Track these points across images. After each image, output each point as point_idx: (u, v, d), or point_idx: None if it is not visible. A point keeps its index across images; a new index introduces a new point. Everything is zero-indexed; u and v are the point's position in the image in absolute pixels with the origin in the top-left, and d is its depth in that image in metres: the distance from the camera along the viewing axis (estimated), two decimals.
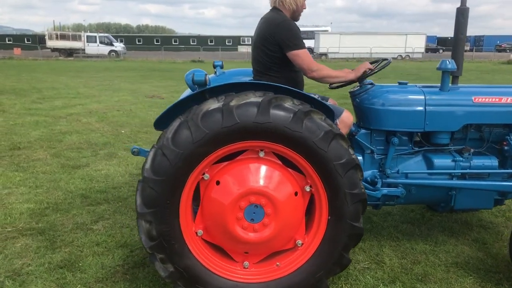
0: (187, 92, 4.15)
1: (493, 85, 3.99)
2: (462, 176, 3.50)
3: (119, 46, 44.41)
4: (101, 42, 43.36)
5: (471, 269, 3.47)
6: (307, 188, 2.86)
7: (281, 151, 2.77)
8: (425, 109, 3.39)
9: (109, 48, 43.50)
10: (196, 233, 2.90)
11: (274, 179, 2.83)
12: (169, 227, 2.78)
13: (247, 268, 2.96)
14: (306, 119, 2.71)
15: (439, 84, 3.54)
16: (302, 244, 2.94)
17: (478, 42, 74.90)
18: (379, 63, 3.67)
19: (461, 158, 3.47)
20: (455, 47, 3.82)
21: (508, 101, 3.40)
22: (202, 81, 2.86)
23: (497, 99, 3.41)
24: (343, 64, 35.62)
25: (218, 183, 2.83)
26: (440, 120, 3.42)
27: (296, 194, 2.86)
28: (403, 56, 44.21)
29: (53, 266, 3.53)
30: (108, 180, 5.73)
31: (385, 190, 3.41)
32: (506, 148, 3.48)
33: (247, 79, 3.75)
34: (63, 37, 43.83)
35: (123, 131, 8.81)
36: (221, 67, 4.19)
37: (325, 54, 42.98)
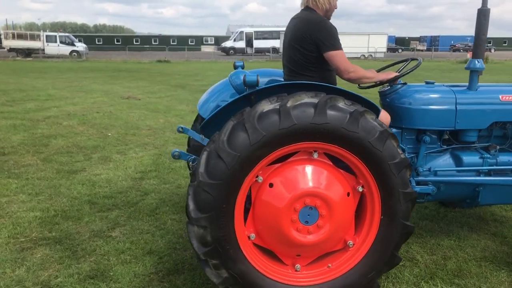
0: (209, 93, 4.08)
1: None
2: (489, 173, 3.60)
3: (81, 46, 43.03)
4: (61, 42, 41.86)
5: (501, 262, 3.59)
6: (360, 189, 2.86)
7: (335, 151, 2.76)
8: (456, 108, 3.47)
9: (70, 48, 42.08)
10: (249, 237, 2.85)
11: (328, 180, 2.82)
12: (224, 232, 2.71)
13: (298, 271, 2.93)
14: (362, 119, 2.71)
15: (466, 84, 3.63)
16: (353, 244, 2.94)
17: (434, 42, 77.60)
18: (408, 63, 3.72)
19: (488, 155, 3.58)
20: (476, 46, 3.91)
21: None
22: (254, 82, 2.81)
23: None
24: None
25: (271, 185, 2.79)
26: (470, 118, 3.51)
27: (348, 194, 2.86)
28: (366, 56, 45.22)
29: (83, 277, 3.37)
30: (111, 185, 5.54)
31: (417, 188, 3.47)
32: None
33: (278, 79, 3.73)
34: (21, 36, 42.01)
35: (109, 134, 8.55)
36: (242, 67, 4.13)
37: None
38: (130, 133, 8.64)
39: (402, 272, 3.43)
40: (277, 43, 47.92)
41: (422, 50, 70.16)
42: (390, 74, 3.50)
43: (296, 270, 2.93)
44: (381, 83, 3.57)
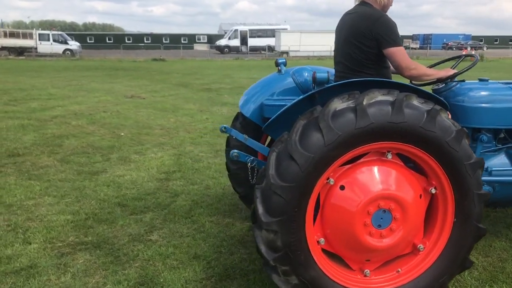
0: (250, 92, 3.95)
1: None
2: None
3: (74, 44, 42.47)
4: (54, 40, 41.29)
5: None
6: (432, 190, 2.75)
7: (410, 151, 2.65)
8: None
9: (63, 46, 41.53)
10: (318, 241, 2.73)
11: (401, 182, 2.71)
12: (296, 237, 2.59)
13: (368, 276, 2.81)
14: (438, 117, 2.60)
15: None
16: (424, 248, 2.83)
17: (427, 40, 77.99)
18: (461, 59, 3.63)
19: None
20: None
21: None
22: (325, 79, 2.69)
23: None
24: (305, 62, 35.98)
25: (342, 188, 2.67)
26: None
27: (420, 196, 2.75)
28: None
29: (132, 284, 3.23)
30: (137, 186, 5.38)
31: None
32: None
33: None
34: (13, 35, 41.37)
35: (122, 134, 8.37)
36: (285, 64, 4.00)
37: (287, 52, 43.22)
38: (143, 133, 8.47)
39: (462, 275, 3.33)
40: (272, 41, 47.79)
41: (415, 48, 70.46)
42: (449, 71, 3.39)
43: (365, 276, 2.81)
44: (439, 80, 3.46)
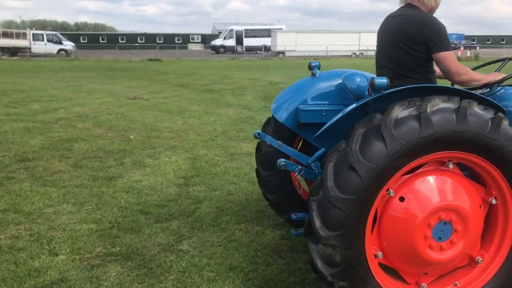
0: (284, 97, 3.83)
1: None
2: None
3: (69, 44, 42.07)
4: (48, 41, 40.85)
5: None
6: (493, 201, 2.65)
7: (472, 161, 2.55)
8: None
9: (58, 46, 41.11)
10: (376, 255, 2.61)
11: (462, 193, 2.61)
12: (355, 251, 2.48)
13: None
14: (502, 125, 2.50)
15: None
16: (482, 260, 2.73)
17: None
18: (505, 63, 3.53)
19: None
20: None
21: None
22: (385, 86, 2.57)
23: None
24: (301, 62, 35.94)
25: (402, 199, 2.55)
26: None
27: (480, 207, 2.65)
28: (357, 54, 45.31)
29: None
30: (157, 192, 5.24)
31: None
32: None
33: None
34: (6, 35, 40.87)
35: (131, 137, 8.21)
36: (319, 67, 3.88)
37: (283, 52, 43.18)
38: (153, 136, 8.31)
39: None
40: (267, 41, 47.68)
41: None
42: (497, 75, 3.29)
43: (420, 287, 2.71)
44: (486, 85, 3.36)
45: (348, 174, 2.41)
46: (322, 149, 3.68)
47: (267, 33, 49.79)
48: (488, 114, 2.49)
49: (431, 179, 2.58)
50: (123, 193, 5.19)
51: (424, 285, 2.70)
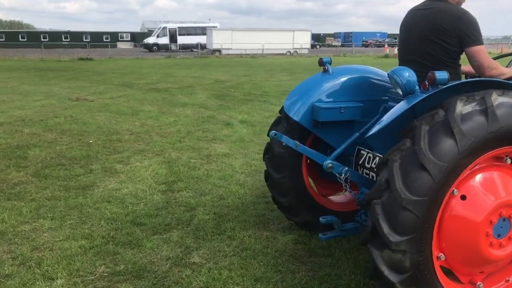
0: (297, 94, 3.64)
1: None
2: None
3: None
4: None
5: None
6: None
7: None
8: None
9: None
10: (438, 257, 2.50)
11: None
12: (424, 255, 2.36)
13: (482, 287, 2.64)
14: None
15: None
16: None
17: (348, 38, 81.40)
18: None
19: None
20: None
21: None
22: (445, 80, 2.46)
23: None
24: (239, 60, 35.90)
25: (464, 197, 2.46)
26: None
27: None
28: (292, 52, 46.05)
29: None
30: (143, 200, 4.83)
31: None
32: None
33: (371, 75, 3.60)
34: None
35: (90, 141, 7.59)
36: (330, 63, 3.73)
37: (219, 50, 42.82)
38: (114, 139, 7.75)
39: None
40: (202, 39, 47.08)
41: (337, 46, 73.28)
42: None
43: (477, 286, 2.64)
44: (510, 79, 3.37)
45: (418, 174, 2.27)
46: (340, 148, 3.54)
47: (201, 31, 49.17)
48: None
49: (490, 175, 2.52)
50: (104, 203, 4.73)
51: (480, 284, 2.64)
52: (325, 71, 3.72)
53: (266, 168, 3.91)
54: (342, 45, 73.01)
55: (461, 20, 2.94)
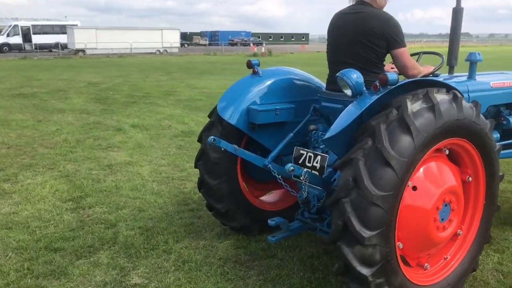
0: (230, 96, 3.58)
1: (491, 72, 4.62)
2: None
3: None
4: None
5: None
6: (469, 179, 2.99)
7: (460, 145, 2.83)
8: (469, 96, 3.87)
9: None
10: (398, 246, 2.67)
11: (453, 175, 2.86)
12: (391, 246, 2.51)
13: (428, 269, 2.90)
14: (479, 112, 2.83)
15: (466, 74, 4.05)
16: (462, 233, 3.05)
17: (214, 37, 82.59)
18: (420, 56, 3.98)
19: None
20: (452, 42, 4.34)
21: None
22: (396, 81, 2.62)
23: (506, 83, 4.16)
24: (107, 60, 33.99)
25: (415, 188, 2.67)
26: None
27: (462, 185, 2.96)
28: (161, 51, 45.09)
29: None
30: (50, 222, 4.30)
31: None
32: (504, 123, 4.30)
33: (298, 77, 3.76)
34: None
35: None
36: (258, 65, 3.74)
37: (83, 50, 39.97)
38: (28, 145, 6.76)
39: None
40: (62, 38, 43.40)
41: (205, 45, 73.85)
42: (429, 68, 3.67)
43: (425, 269, 2.89)
44: (424, 77, 3.71)
45: (383, 171, 2.40)
46: (278, 149, 3.58)
47: (60, 29, 45.28)
48: (472, 103, 2.79)
49: (433, 166, 2.77)
50: (4, 230, 4.10)
51: (427, 265, 2.90)
52: (255, 73, 3.71)
53: (200, 176, 3.77)
54: (210, 44, 73.86)
55: (388, 24, 3.18)
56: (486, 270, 3.39)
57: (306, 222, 3.43)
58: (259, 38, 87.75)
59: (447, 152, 2.84)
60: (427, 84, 2.80)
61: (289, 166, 2.81)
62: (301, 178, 2.96)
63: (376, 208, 2.39)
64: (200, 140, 3.82)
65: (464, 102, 2.71)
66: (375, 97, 2.62)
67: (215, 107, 3.77)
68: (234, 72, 23.28)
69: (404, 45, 3.24)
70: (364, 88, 2.78)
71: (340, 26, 3.35)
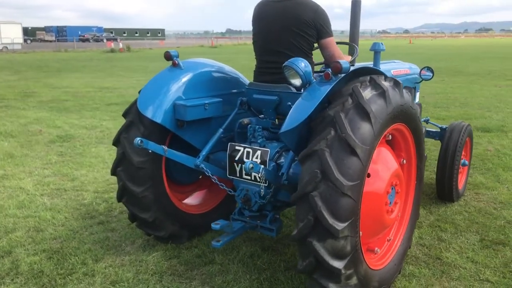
0: (151, 92, 3.23)
1: (390, 60, 4.89)
2: None
3: None
4: None
5: None
6: (404, 161, 3.13)
7: (400, 130, 2.94)
8: None
9: None
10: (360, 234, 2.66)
11: (394, 159, 2.96)
12: (358, 235, 2.49)
13: (378, 253, 2.96)
14: (413, 97, 2.98)
15: (370, 63, 4.27)
16: (398, 213, 3.19)
17: (62, 33, 76.19)
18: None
19: None
20: (352, 35, 4.52)
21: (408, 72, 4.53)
22: (348, 69, 2.58)
23: (403, 71, 4.50)
24: None
25: (369, 175, 2.69)
26: None
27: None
28: (1, 48, 39.92)
29: None
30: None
31: None
32: None
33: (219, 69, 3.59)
34: None
35: None
36: (177, 56, 3.42)
37: None
38: None
39: None
40: None
41: (51, 41, 67.63)
42: (348, 58, 3.75)
43: (376, 253, 2.95)
44: None
45: (350, 160, 2.36)
46: (208, 147, 3.36)
47: None
48: (408, 90, 2.92)
49: (380, 152, 2.81)
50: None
51: (377, 249, 2.96)
52: (175, 65, 3.40)
53: (120, 183, 3.33)
54: (58, 40, 67.84)
55: (318, 13, 3.15)
56: (412, 246, 3.61)
57: (245, 221, 3.26)
58: (112, 33, 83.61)
59: (390, 137, 2.92)
60: (363, 73, 2.83)
61: (249, 163, 2.61)
62: (259, 175, 2.78)
63: (346, 199, 2.33)
64: (116, 143, 3.37)
65: (403, 90, 2.81)
66: (329, 86, 2.56)
67: (132, 105, 3.37)
68: (95, 69, 21.75)
69: (332, 35, 3.26)
70: (312, 78, 2.71)
71: (269, 14, 3.23)
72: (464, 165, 4.62)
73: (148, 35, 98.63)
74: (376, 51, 4.07)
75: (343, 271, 2.40)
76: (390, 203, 2.88)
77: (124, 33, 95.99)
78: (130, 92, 12.92)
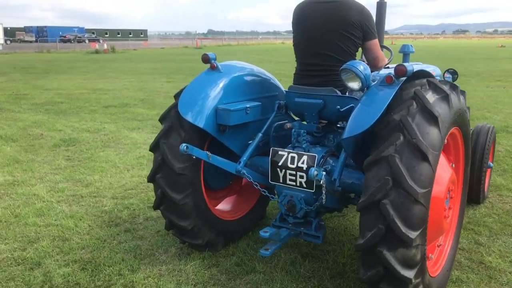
0: (192, 95, 3.12)
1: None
2: None
3: None
4: None
5: None
6: (453, 165, 3.08)
7: (454, 134, 2.89)
8: None
9: None
10: None
11: (448, 164, 2.90)
12: (425, 243, 2.42)
13: (432, 259, 2.91)
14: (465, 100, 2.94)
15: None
16: (449, 216, 3.13)
17: (42, 33, 74.83)
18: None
19: None
20: (378, 36, 4.47)
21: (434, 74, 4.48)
22: (412, 72, 2.51)
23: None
24: None
25: None
26: None
27: None
28: None
29: None
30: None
31: None
32: None
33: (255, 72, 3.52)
34: None
35: None
36: (215, 59, 3.32)
37: None
38: None
39: None
40: None
41: (31, 42, 66.36)
42: (386, 60, 3.68)
43: (430, 260, 2.89)
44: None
45: (421, 166, 2.29)
46: (248, 152, 3.27)
47: None
48: (461, 94, 2.87)
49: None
50: None
51: (431, 255, 2.90)
52: (214, 68, 3.29)
53: (159, 190, 3.21)
54: (38, 41, 66.56)
55: (364, 14, 3.09)
56: None
57: (289, 228, 3.16)
58: (94, 34, 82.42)
59: (445, 141, 2.87)
60: (419, 76, 2.76)
61: (314, 171, 2.51)
62: (321, 182, 2.68)
63: (419, 207, 2.27)
64: (155, 149, 3.25)
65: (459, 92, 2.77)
66: (392, 90, 2.48)
67: (169, 110, 3.26)
68: (84, 70, 21.34)
69: (376, 37, 3.20)
70: (371, 81, 2.64)
71: (312, 16, 3.15)
72: (489, 167, 4.61)
73: (130, 35, 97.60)
74: (405, 53, 4.03)
75: (413, 280, 2.34)
76: (447, 208, 2.83)
77: (106, 33, 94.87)
78: (125, 93, 12.69)
